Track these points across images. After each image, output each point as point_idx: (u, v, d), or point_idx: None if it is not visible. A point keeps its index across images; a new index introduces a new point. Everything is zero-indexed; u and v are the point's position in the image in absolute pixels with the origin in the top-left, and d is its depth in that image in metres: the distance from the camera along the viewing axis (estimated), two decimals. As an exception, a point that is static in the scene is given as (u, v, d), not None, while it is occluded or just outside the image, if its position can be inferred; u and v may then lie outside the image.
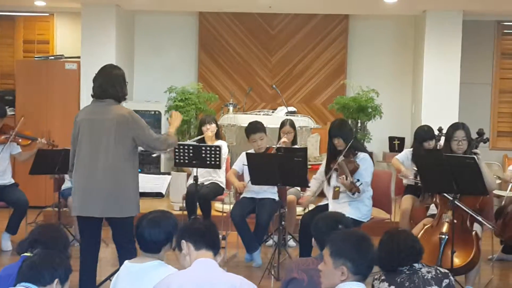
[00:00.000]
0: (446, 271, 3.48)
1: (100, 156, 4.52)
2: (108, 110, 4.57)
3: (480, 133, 5.33)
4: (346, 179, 5.36)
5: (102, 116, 4.56)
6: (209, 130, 6.85)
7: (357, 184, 5.36)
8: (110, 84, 4.62)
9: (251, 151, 6.17)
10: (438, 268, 3.47)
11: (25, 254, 3.32)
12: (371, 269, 2.85)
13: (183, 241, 2.96)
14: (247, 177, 6.03)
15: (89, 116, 4.62)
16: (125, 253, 4.39)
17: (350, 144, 5.46)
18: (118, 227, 4.62)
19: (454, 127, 5.31)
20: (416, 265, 3.38)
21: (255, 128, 6.20)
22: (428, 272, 3.37)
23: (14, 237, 6.54)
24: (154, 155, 8.17)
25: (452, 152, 5.14)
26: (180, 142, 6.52)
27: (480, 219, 4.89)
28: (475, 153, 5.00)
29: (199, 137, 6.86)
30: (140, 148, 4.75)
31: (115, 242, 4.72)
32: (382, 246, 3.42)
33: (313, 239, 3.45)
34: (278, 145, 6.22)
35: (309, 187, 5.91)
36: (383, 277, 3.39)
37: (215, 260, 2.94)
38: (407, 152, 6.39)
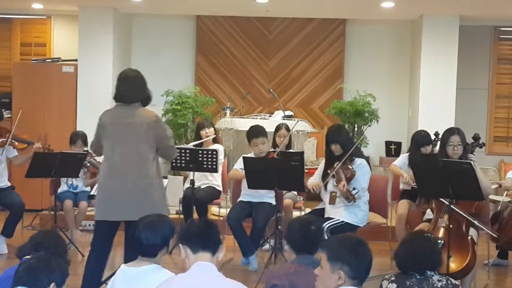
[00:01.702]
0: (457, 283, 3.45)
1: (131, 160, 4.55)
2: (136, 113, 4.61)
3: (476, 138, 5.34)
4: (343, 186, 5.37)
5: (130, 120, 4.59)
6: (208, 134, 6.85)
7: (353, 192, 5.38)
8: (137, 88, 4.67)
9: (250, 155, 6.17)
10: (450, 278, 3.45)
11: (27, 257, 3.32)
12: (367, 274, 2.86)
13: (180, 245, 2.97)
14: (245, 180, 6.03)
15: (118, 121, 4.62)
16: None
17: (349, 151, 5.47)
18: None
19: (449, 132, 5.31)
20: (428, 272, 3.38)
21: (257, 132, 6.18)
22: (439, 280, 3.35)
23: (10, 240, 6.52)
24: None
25: (448, 157, 5.15)
26: (177, 146, 6.52)
27: (477, 223, 4.89)
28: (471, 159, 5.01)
29: (199, 141, 6.84)
30: None
31: (127, 248, 4.67)
32: (402, 245, 3.44)
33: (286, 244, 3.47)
34: (279, 149, 6.21)
35: (305, 191, 5.92)
36: (392, 278, 3.39)
37: (217, 256, 2.95)
38: (403, 157, 6.38)
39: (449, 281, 3.38)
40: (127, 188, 4.52)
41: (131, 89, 4.65)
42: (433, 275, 3.36)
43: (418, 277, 3.34)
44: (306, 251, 3.38)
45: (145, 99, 4.70)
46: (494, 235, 5.46)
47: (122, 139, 4.57)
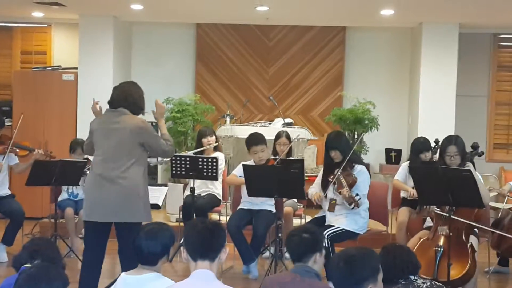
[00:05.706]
0: (441, 284, 3.48)
1: (113, 164, 4.64)
2: (121, 119, 4.71)
3: (475, 146, 5.35)
4: (347, 192, 5.37)
5: (115, 125, 4.69)
6: (210, 142, 6.85)
7: (356, 198, 5.38)
8: (125, 95, 4.76)
9: (249, 162, 6.17)
10: (434, 280, 3.48)
11: (26, 265, 3.32)
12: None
13: (182, 248, 2.96)
14: (245, 188, 6.02)
15: (102, 125, 4.78)
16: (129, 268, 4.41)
17: (347, 157, 5.48)
18: (125, 235, 4.60)
19: (447, 142, 5.30)
20: (412, 276, 3.41)
21: (257, 139, 6.19)
22: (424, 282, 3.39)
23: (10, 248, 6.51)
24: (151, 164, 8.16)
25: (446, 165, 5.15)
26: (177, 154, 6.52)
27: (478, 225, 4.88)
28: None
29: (200, 149, 6.84)
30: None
31: (121, 255, 4.71)
32: (380, 259, 3.44)
33: None
34: (280, 157, 6.22)
35: (305, 199, 5.92)
36: None
37: (220, 259, 2.92)
38: (404, 168, 6.35)
39: (433, 282, 3.42)
40: (105, 191, 4.61)
41: (118, 95, 4.77)
42: (416, 279, 3.40)
43: (403, 282, 3.38)
44: (301, 259, 3.42)
45: (133, 107, 4.76)
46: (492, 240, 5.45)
47: (105, 143, 4.70)
